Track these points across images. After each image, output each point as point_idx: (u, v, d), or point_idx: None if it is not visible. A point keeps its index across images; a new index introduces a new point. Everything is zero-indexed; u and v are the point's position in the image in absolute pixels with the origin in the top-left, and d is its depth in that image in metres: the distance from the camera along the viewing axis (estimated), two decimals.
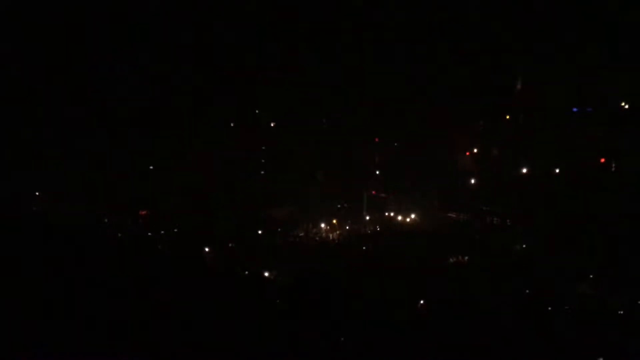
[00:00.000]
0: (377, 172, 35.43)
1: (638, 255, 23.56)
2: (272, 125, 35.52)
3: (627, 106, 31.50)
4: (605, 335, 17.90)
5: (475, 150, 34.24)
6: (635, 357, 16.40)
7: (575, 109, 31.32)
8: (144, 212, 31.22)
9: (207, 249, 25.57)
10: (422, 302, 20.13)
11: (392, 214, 33.10)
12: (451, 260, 27.06)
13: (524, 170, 31.54)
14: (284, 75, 33.46)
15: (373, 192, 34.77)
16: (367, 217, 33.32)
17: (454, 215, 31.70)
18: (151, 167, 32.30)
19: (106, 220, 28.33)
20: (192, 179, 32.24)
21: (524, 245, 27.27)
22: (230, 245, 27.66)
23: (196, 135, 32.79)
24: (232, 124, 34.62)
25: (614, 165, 29.62)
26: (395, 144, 36.20)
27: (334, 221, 32.69)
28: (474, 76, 32.70)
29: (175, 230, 29.02)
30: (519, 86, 32.38)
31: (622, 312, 21.06)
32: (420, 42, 32.06)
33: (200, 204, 31.32)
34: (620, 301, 21.53)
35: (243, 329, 11.38)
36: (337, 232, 32.03)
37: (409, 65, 32.95)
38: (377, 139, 36.72)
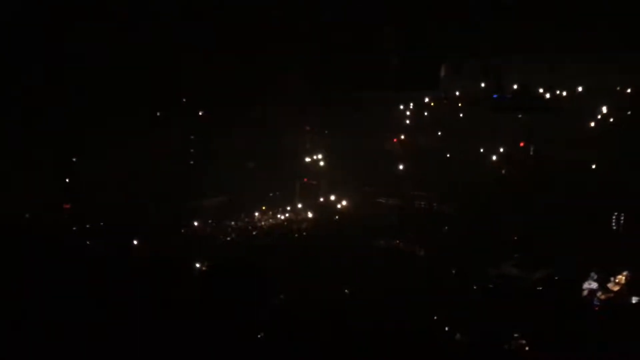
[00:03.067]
0: (308, 160, 35.72)
1: (554, 235, 24.83)
2: (200, 114, 35.10)
3: (547, 94, 33.13)
4: (524, 309, 18.89)
5: (402, 137, 35.10)
6: (550, 329, 17.38)
7: (495, 96, 32.66)
8: (67, 206, 30.20)
9: (135, 242, 25.02)
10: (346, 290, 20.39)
11: (323, 200, 33.46)
12: (381, 243, 27.58)
13: (449, 155, 32.62)
14: (212, 63, 33.10)
15: (305, 179, 35.04)
16: (299, 205, 33.57)
17: (384, 200, 32.35)
18: (74, 159, 31.29)
19: (27, 215, 27.20)
20: (119, 170, 31.45)
21: (449, 228, 28.16)
22: (159, 237, 27.18)
23: (121, 125, 31.95)
24: (158, 113, 33.98)
25: (532, 149, 31.09)
26: (326, 132, 36.61)
27: (263, 208, 32.73)
28: (402, 64, 33.39)
29: (102, 223, 28.25)
30: (442, 74, 33.35)
31: (540, 288, 22.18)
32: (341, 30, 32.44)
33: (128, 195, 30.61)
34: (538, 278, 22.66)
35: (168, 321, 11.22)
36: (269, 220, 32.09)
37: (334, 53, 33.28)
38: (308, 127, 37.01)
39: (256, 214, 32.58)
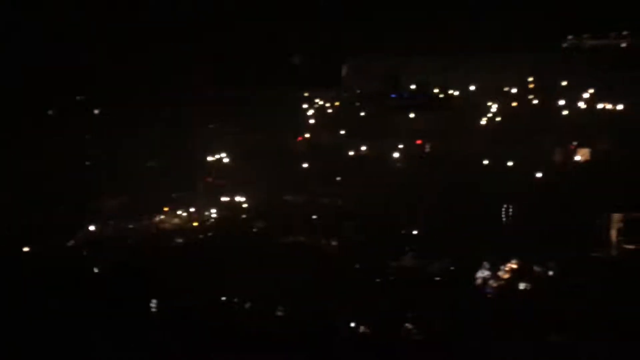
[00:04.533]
0: (212, 159, 35.22)
1: (452, 227, 26.02)
2: (95, 112, 33.68)
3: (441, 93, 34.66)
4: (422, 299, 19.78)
5: (307, 135, 35.43)
6: (444, 313, 18.31)
7: (393, 95, 33.79)
8: None
9: (26, 249, 23.64)
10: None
11: (228, 199, 33.10)
12: (289, 240, 27.73)
13: (351, 153, 33.32)
14: (111, 60, 31.96)
15: (209, 179, 34.50)
16: (203, 204, 33.00)
17: (290, 198, 32.50)
18: None
19: None
20: (11, 171, 29.61)
21: (352, 223, 28.75)
22: (55, 240, 25.86)
23: (12, 124, 30.11)
24: (50, 112, 32.27)
25: (428, 146, 32.40)
26: (230, 130, 36.25)
27: (166, 209, 31.93)
28: (304, 63, 33.70)
29: None
30: (344, 73, 34.03)
31: (438, 278, 23.21)
32: (243, 30, 32.33)
33: (22, 197, 28.88)
34: (436, 269, 23.71)
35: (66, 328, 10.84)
36: (172, 220, 31.34)
37: (236, 52, 33.09)
38: (211, 126, 36.48)
39: (158, 214, 31.71)
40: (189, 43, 32.71)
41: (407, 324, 17.53)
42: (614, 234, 25.29)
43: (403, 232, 27.23)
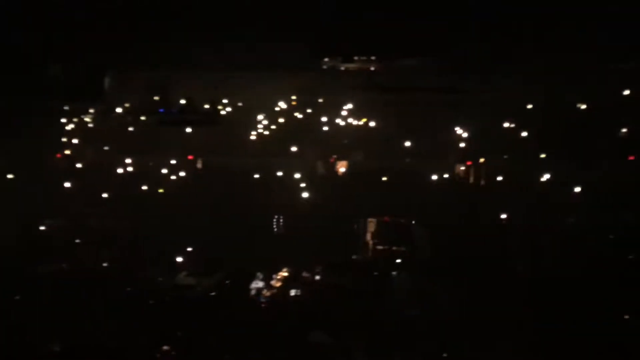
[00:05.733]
0: None
1: (225, 241, 26.37)
2: None
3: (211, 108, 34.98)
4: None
5: (67, 152, 32.98)
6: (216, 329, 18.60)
7: (161, 110, 33.23)
8: None
9: None
10: None
11: None
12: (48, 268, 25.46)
13: (120, 170, 31.91)
14: None
15: None
16: None
17: (50, 222, 29.88)
18: None
19: None
20: None
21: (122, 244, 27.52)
22: None
23: None
24: None
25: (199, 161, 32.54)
26: None
27: None
28: (60, 74, 31.35)
29: None
30: (107, 86, 32.42)
31: (213, 293, 23.37)
32: None
33: None
34: (211, 284, 23.85)
35: None
36: None
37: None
38: None
39: None
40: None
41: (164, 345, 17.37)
42: (369, 237, 28.03)
43: (176, 249, 26.80)
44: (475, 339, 17.71)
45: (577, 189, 29.15)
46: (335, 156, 34.84)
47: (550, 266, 22.87)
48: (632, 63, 29.65)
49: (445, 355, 16.95)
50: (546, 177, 30.77)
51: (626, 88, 32.04)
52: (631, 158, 30.72)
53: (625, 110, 32.19)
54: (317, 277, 23.81)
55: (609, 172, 29.43)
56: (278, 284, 23.79)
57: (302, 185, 31.94)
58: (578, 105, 33.89)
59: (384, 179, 32.40)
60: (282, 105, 37.45)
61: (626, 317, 18.75)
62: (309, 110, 36.91)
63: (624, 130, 32.52)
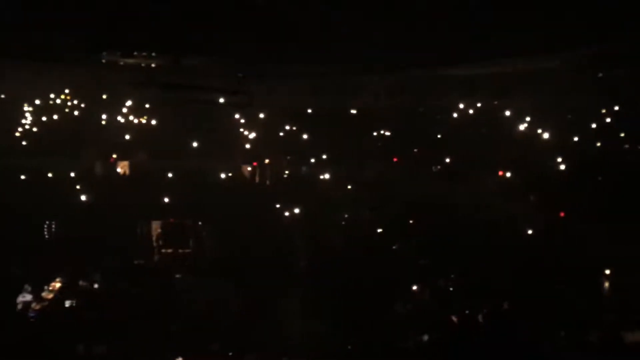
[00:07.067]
0: None
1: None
2: None
3: None
4: None
5: None
6: None
7: None
8: None
9: None
10: None
11: None
12: None
13: None
14: None
15: None
16: None
17: None
18: None
19: None
20: None
21: None
22: None
23: None
24: None
25: None
26: None
27: None
28: None
29: None
30: None
31: None
32: None
33: None
34: None
35: None
36: None
37: None
38: None
39: None
40: None
41: None
42: (154, 240, 27.09)
43: None
44: (262, 336, 18.06)
45: (350, 187, 31.55)
46: (115, 156, 33.14)
47: (330, 259, 24.24)
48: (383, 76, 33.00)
49: (231, 354, 16.98)
50: (326, 176, 32.75)
51: (391, 96, 35.62)
52: (395, 159, 34.15)
53: (389, 115, 35.82)
54: (96, 285, 22.28)
55: (378, 172, 32.32)
56: (50, 296, 21.71)
57: (78, 187, 29.76)
58: (351, 110, 36.84)
59: (169, 178, 31.69)
60: (57, 100, 34.64)
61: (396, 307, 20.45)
62: (84, 106, 34.64)
63: (388, 133, 36.12)
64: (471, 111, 36.16)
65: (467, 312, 18.88)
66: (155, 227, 27.40)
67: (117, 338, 17.59)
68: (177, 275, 23.38)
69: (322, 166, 33.53)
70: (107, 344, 17.29)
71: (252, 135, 35.75)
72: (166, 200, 29.31)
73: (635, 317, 17.81)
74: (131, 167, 32.90)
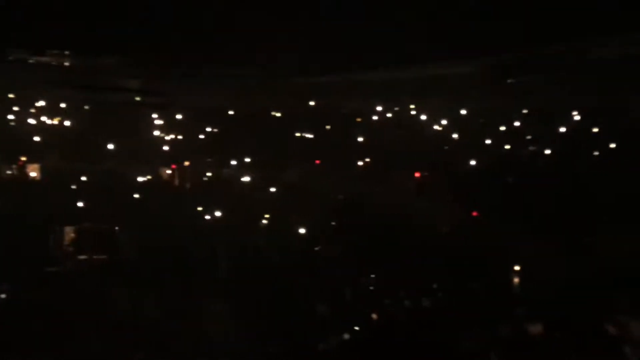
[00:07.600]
0: None
1: None
2: None
3: None
4: None
5: None
6: None
7: None
8: None
9: None
10: None
11: None
12: None
13: None
14: None
15: None
16: None
17: None
18: None
19: None
20: None
21: None
22: None
23: None
24: None
25: None
26: None
27: None
28: None
29: None
30: None
31: None
32: None
33: None
34: None
35: None
36: None
37: None
38: None
39: None
40: None
41: None
42: (67, 246, 26.01)
43: None
44: (185, 343, 17.87)
45: (273, 189, 31.56)
46: (24, 158, 31.54)
47: (252, 263, 24.22)
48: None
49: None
50: (248, 178, 32.57)
51: (312, 99, 35.99)
52: (317, 162, 34.49)
53: (311, 118, 36.17)
54: (3, 296, 21.21)
55: (300, 174, 32.52)
56: None
57: None
58: (273, 112, 36.86)
59: (83, 182, 30.51)
60: None
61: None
62: None
63: (311, 136, 36.46)
64: (389, 114, 37.13)
65: (387, 309, 19.43)
66: (69, 232, 26.32)
67: (32, 350, 16.89)
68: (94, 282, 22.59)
69: (243, 168, 33.32)
70: (20, 357, 16.57)
71: (172, 137, 35.01)
72: (80, 204, 28.20)
73: (543, 311, 18.84)
74: (42, 170, 31.43)
